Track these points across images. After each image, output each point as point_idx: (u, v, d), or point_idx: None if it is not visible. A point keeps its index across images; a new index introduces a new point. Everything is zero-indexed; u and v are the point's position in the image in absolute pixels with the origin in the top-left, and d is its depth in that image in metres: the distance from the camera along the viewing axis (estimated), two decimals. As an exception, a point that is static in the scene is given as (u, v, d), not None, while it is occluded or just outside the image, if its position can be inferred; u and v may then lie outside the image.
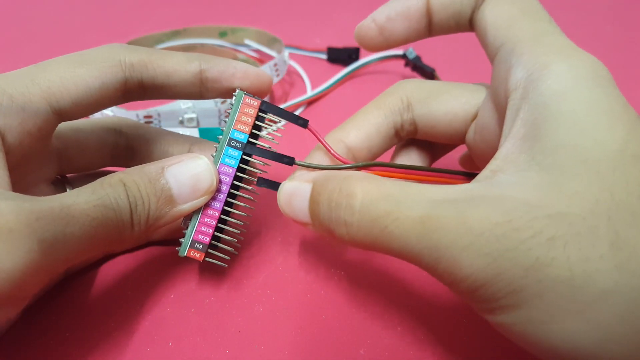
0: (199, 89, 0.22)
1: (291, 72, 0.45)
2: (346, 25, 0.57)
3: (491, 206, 0.14)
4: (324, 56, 0.48)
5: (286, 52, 0.41)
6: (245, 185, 0.21)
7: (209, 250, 0.21)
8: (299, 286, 0.24)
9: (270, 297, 0.23)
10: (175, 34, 0.47)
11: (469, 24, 0.21)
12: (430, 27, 0.22)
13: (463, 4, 0.20)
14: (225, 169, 0.21)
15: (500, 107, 0.18)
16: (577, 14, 0.58)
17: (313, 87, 0.42)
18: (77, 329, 0.22)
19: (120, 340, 0.21)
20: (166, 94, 0.22)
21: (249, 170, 0.21)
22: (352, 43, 0.48)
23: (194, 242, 0.21)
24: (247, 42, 0.47)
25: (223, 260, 0.22)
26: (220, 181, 0.21)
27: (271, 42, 0.46)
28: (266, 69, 0.37)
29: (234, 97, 0.21)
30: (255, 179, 0.21)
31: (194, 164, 0.20)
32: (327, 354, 0.20)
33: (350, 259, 0.25)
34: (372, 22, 0.22)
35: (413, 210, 0.15)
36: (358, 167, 0.21)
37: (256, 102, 0.21)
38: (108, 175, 0.19)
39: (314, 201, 0.18)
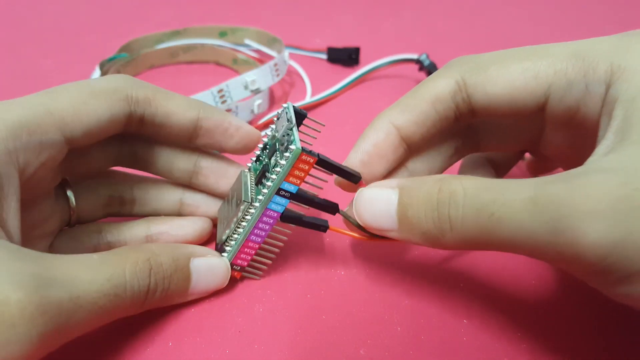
0: (191, 135, 0.23)
1: (291, 72, 0.45)
2: (346, 25, 0.57)
3: (603, 174, 0.14)
4: (324, 56, 0.48)
5: (286, 52, 0.41)
6: (285, 229, 0.22)
7: (246, 268, 0.23)
8: (299, 286, 0.24)
9: (270, 297, 0.23)
10: (175, 34, 0.47)
11: (466, 114, 0.20)
12: (411, 149, 0.22)
13: (447, 109, 0.20)
14: (270, 212, 0.21)
15: (578, 127, 0.19)
16: (577, 14, 0.58)
17: (313, 87, 0.42)
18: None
19: (120, 340, 0.21)
20: (161, 133, 0.23)
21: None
22: (352, 43, 0.48)
23: (232, 264, 0.22)
24: (247, 42, 0.47)
25: (257, 274, 0.23)
26: (264, 221, 0.21)
27: (271, 42, 0.46)
28: (266, 69, 0.37)
29: (289, 152, 0.20)
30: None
31: (216, 265, 0.22)
32: (327, 354, 0.20)
33: (351, 259, 0.25)
34: None
35: (520, 194, 0.15)
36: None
37: (312, 160, 0.20)
38: (134, 250, 0.19)
39: (405, 204, 0.18)
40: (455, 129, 0.23)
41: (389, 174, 0.22)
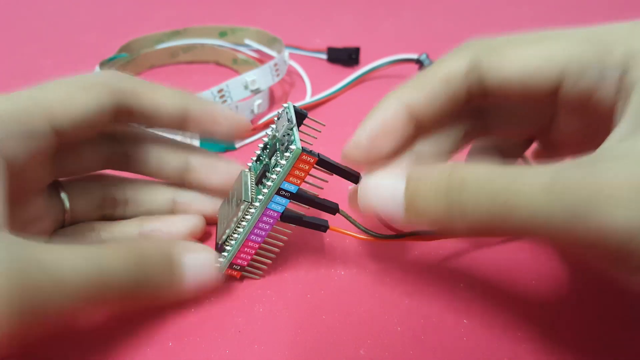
0: (180, 123, 0.23)
1: (291, 72, 0.45)
2: (346, 25, 0.57)
3: (622, 159, 0.14)
4: (324, 56, 0.48)
5: (286, 52, 0.41)
6: (285, 229, 0.22)
7: (246, 267, 0.23)
8: (299, 286, 0.24)
9: (270, 297, 0.23)
10: (175, 34, 0.47)
11: (478, 95, 0.20)
12: (419, 129, 0.21)
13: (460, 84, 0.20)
14: (270, 212, 0.21)
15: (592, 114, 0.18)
16: (578, 14, 0.58)
17: (313, 87, 0.42)
18: (76, 329, 0.22)
19: (120, 340, 0.21)
20: (149, 123, 0.24)
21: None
22: (352, 43, 0.48)
23: (232, 264, 0.22)
24: (247, 42, 0.47)
25: (257, 274, 0.23)
26: (264, 221, 0.21)
27: (271, 42, 0.46)
28: (266, 69, 0.37)
29: (289, 152, 0.20)
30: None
31: (207, 259, 0.21)
32: (327, 354, 0.20)
33: (351, 259, 0.25)
34: (356, 148, 0.21)
35: (536, 180, 0.15)
36: (403, 238, 0.21)
37: (312, 160, 0.20)
38: (123, 241, 0.19)
39: (413, 191, 0.18)
40: (466, 111, 0.22)
41: (395, 153, 0.22)
